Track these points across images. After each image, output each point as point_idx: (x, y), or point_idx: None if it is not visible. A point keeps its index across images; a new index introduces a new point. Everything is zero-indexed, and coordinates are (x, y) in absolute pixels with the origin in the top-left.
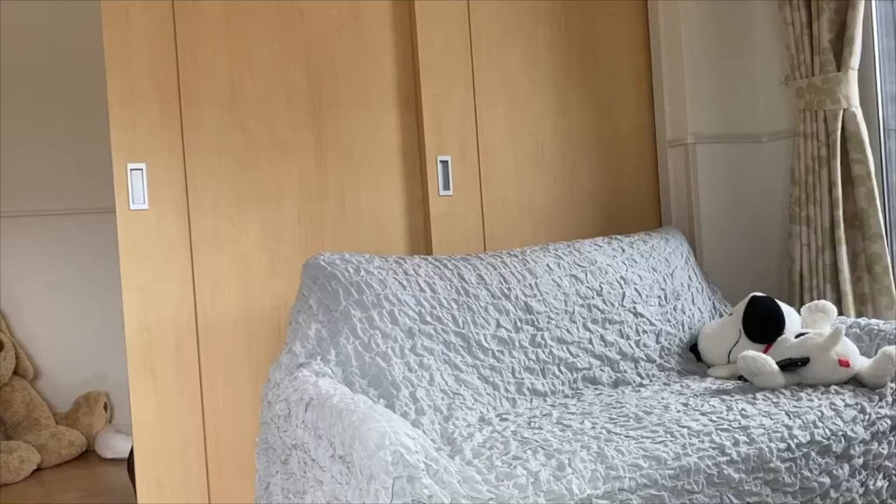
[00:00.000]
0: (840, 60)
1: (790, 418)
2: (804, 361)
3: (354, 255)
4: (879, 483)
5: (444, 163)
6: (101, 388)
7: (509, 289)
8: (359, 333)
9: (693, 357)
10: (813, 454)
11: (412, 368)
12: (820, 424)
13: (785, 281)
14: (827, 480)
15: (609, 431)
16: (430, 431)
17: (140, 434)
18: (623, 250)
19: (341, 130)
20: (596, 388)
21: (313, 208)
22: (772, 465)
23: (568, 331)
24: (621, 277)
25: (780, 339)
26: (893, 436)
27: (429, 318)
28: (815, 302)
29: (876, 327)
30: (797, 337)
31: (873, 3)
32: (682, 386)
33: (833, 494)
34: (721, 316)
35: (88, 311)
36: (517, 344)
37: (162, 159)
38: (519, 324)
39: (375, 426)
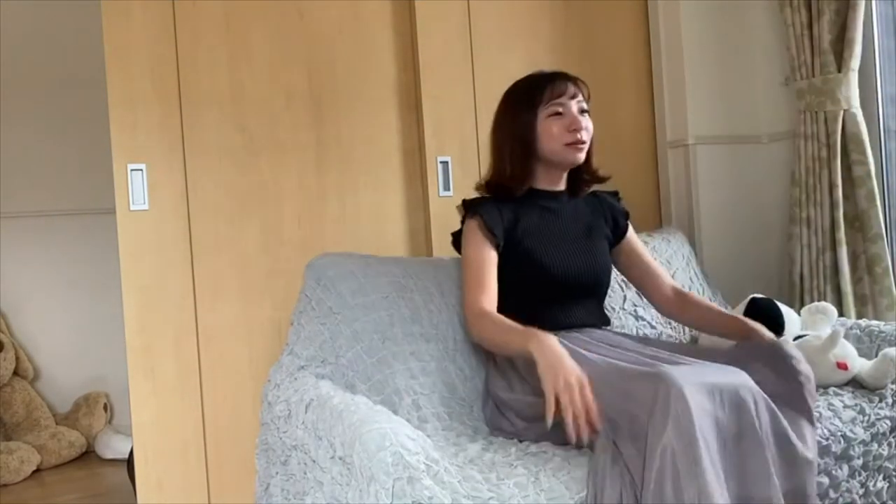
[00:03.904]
0: (840, 61)
1: None
2: None
3: (359, 256)
4: (879, 484)
5: (445, 163)
6: (101, 389)
7: None
8: (362, 337)
9: None
10: None
11: (414, 375)
12: (818, 425)
13: (785, 282)
14: (826, 481)
15: None
16: (432, 437)
17: (140, 435)
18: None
19: (341, 131)
20: None
21: (313, 209)
22: None
23: None
24: (622, 280)
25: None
26: (893, 437)
27: (432, 322)
28: (815, 304)
29: (876, 328)
30: (796, 339)
31: (873, 4)
32: None
33: (832, 495)
34: None
35: (88, 311)
36: None
37: (162, 160)
38: None
39: (376, 427)
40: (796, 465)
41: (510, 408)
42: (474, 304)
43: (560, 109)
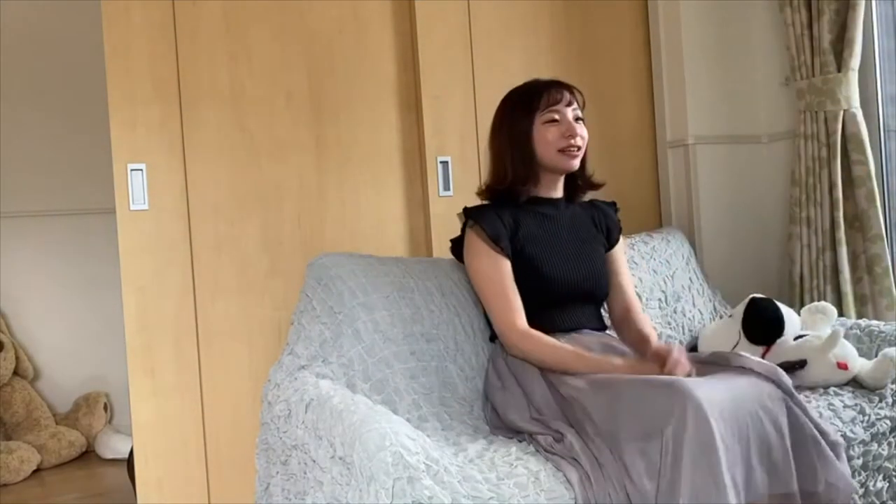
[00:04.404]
0: (840, 61)
1: None
2: (801, 364)
3: (360, 256)
4: (879, 484)
5: (445, 163)
6: (101, 389)
7: None
8: (362, 337)
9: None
10: None
11: (415, 375)
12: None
13: (785, 282)
14: None
15: None
16: (432, 437)
17: (140, 434)
18: (624, 252)
19: (341, 131)
20: None
21: (313, 209)
22: None
23: None
24: (631, 285)
25: (779, 340)
26: (893, 437)
27: (433, 322)
28: (816, 303)
29: (876, 328)
30: (796, 339)
31: (873, 3)
32: None
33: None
34: (721, 318)
35: (88, 311)
36: None
37: (162, 159)
38: None
39: (376, 427)
40: (808, 461)
41: (506, 407)
42: (513, 324)
43: (556, 116)
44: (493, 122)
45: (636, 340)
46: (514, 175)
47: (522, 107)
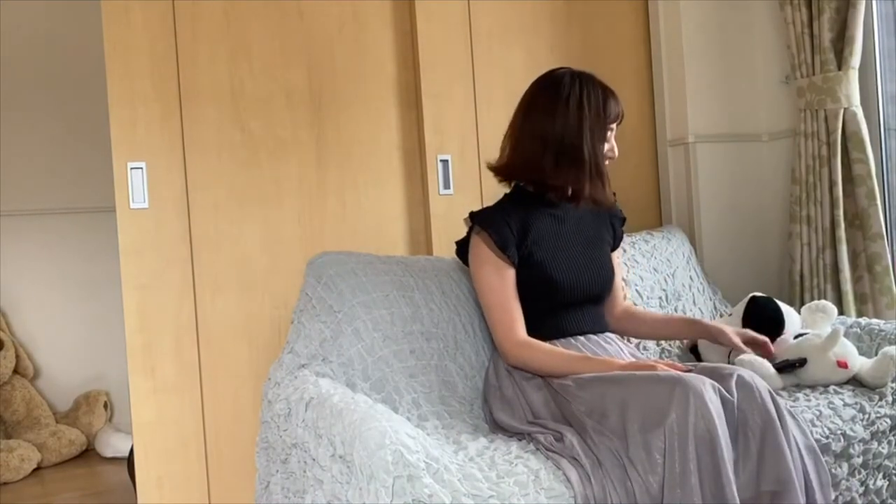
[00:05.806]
0: (841, 60)
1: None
2: (801, 363)
3: (360, 255)
4: (879, 482)
5: (445, 162)
6: (101, 388)
7: None
8: (362, 336)
9: (694, 358)
10: None
11: (414, 373)
12: (818, 423)
13: (785, 280)
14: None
15: None
16: (432, 435)
17: (140, 433)
18: (624, 250)
19: (341, 130)
20: None
21: (313, 208)
22: None
23: None
24: (622, 279)
25: (779, 339)
26: (893, 435)
27: (433, 320)
28: (816, 302)
29: (876, 327)
30: (796, 338)
31: (874, 2)
32: None
33: (832, 493)
34: (721, 316)
35: (88, 309)
36: None
37: (162, 158)
38: None
39: (376, 425)
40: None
41: (502, 411)
42: (511, 336)
43: (610, 133)
44: (550, 105)
45: (662, 324)
46: (560, 176)
47: (602, 115)
